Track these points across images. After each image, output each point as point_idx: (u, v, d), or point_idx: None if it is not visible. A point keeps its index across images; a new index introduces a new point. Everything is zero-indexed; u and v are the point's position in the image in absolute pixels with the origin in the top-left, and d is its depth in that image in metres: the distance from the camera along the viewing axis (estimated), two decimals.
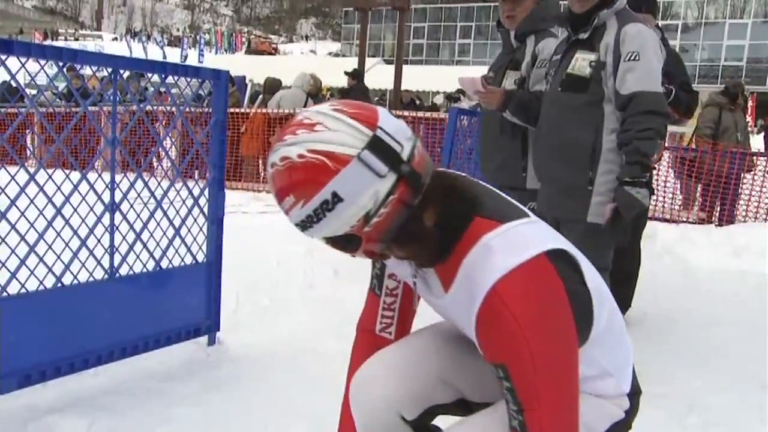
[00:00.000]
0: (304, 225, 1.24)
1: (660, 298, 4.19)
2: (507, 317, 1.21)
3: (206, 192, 3.00)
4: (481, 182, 1.46)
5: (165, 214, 2.85)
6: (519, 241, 1.26)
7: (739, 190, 6.76)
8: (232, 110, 8.80)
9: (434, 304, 1.46)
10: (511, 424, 1.27)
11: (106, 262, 2.64)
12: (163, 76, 2.75)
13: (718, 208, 6.68)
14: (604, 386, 1.45)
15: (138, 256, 2.76)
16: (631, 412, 1.51)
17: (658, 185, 6.93)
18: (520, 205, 1.42)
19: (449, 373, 1.56)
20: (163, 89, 3.06)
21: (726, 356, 3.28)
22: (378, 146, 1.20)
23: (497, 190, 1.45)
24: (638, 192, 2.57)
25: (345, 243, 1.27)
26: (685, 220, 6.78)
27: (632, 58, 2.59)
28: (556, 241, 1.32)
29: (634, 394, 1.51)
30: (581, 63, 2.71)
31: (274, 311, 3.69)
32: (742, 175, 6.69)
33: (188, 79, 2.93)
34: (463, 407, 1.59)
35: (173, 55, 40.78)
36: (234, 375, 2.82)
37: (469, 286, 1.26)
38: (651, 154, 2.57)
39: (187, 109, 3.27)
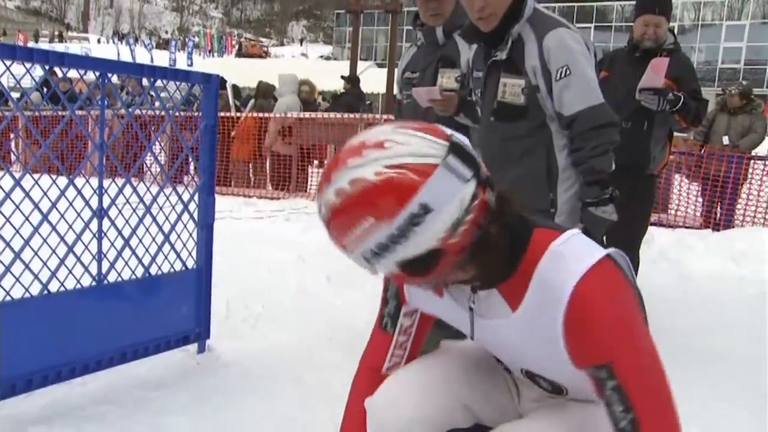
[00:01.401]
0: (384, 248, 1.15)
1: (656, 304, 4.13)
2: (600, 316, 1.22)
3: (196, 197, 2.96)
4: None
5: (154, 219, 2.80)
6: (583, 246, 1.29)
7: (737, 194, 6.75)
8: (222, 114, 8.77)
9: (486, 332, 1.40)
10: (619, 426, 1.24)
11: (93, 269, 2.59)
12: (152, 80, 2.70)
13: (717, 213, 6.67)
14: None
15: (126, 263, 2.71)
16: None
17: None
18: None
19: (469, 398, 1.55)
20: (152, 93, 3.02)
21: (725, 363, 3.25)
22: (460, 151, 1.17)
23: None
24: (603, 211, 2.50)
25: (422, 265, 1.18)
26: (681, 224, 6.77)
27: (563, 74, 2.43)
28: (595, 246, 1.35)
29: None
30: (512, 89, 2.53)
31: (265, 318, 3.64)
32: (739, 179, 6.68)
33: (177, 83, 2.88)
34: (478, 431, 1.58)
35: (161, 59, 40.48)
36: (225, 384, 2.77)
37: (546, 294, 1.25)
38: (608, 169, 2.45)
39: (177, 114, 3.22)
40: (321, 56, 51.47)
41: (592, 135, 2.42)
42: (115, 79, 2.57)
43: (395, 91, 3.56)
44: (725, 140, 6.82)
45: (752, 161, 6.88)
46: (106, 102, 2.61)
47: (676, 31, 3.98)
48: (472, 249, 1.20)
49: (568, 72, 2.41)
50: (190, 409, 2.52)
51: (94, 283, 2.58)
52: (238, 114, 8.99)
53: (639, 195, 3.56)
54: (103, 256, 2.61)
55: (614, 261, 1.30)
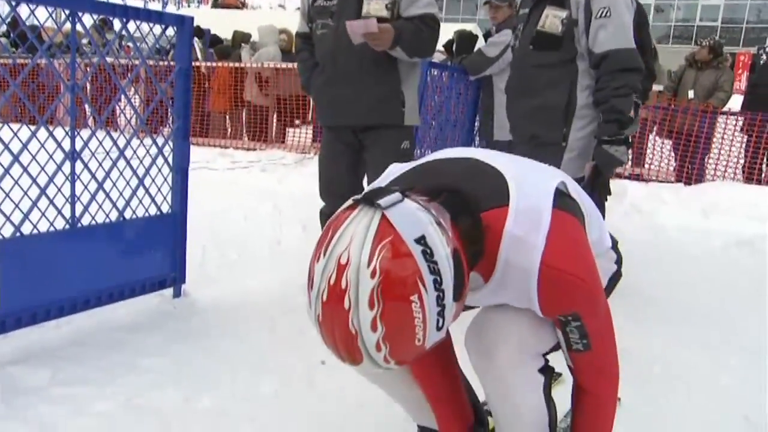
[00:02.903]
0: (439, 298, 1.15)
1: (627, 255, 4.19)
2: (567, 278, 1.34)
3: (171, 142, 2.93)
4: (444, 157, 1.54)
5: (128, 163, 2.77)
6: (532, 212, 1.35)
7: (709, 150, 6.83)
8: (198, 64, 8.62)
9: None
10: (573, 347, 1.46)
11: (67, 212, 2.57)
12: (125, 20, 2.64)
13: (689, 167, 6.76)
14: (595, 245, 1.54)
15: (100, 207, 2.69)
16: (620, 262, 1.73)
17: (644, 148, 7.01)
18: (482, 156, 1.50)
19: None
20: (126, 42, 2.96)
21: (691, 314, 3.33)
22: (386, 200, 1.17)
23: (456, 154, 1.54)
24: (616, 150, 2.66)
25: (461, 285, 1.21)
26: (654, 178, 6.86)
27: (603, 14, 2.59)
28: (544, 180, 1.45)
29: (615, 244, 1.72)
30: (552, 20, 2.68)
31: (241, 265, 3.66)
32: (711, 135, 6.75)
33: (151, 25, 2.82)
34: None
35: None
36: (201, 327, 2.79)
37: (515, 274, 1.35)
38: (627, 111, 2.62)
39: (152, 62, 3.17)
40: (298, 8, 50.40)
41: (618, 76, 2.57)
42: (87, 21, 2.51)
43: (298, 25, 3.26)
44: (690, 95, 6.89)
45: (725, 117, 6.96)
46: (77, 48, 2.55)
47: None
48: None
49: (608, 14, 2.58)
50: (167, 350, 2.54)
51: (67, 227, 2.56)
52: (215, 64, 8.84)
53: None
54: (76, 199, 2.58)
55: (558, 206, 1.38)
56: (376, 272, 1.10)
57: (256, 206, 5.01)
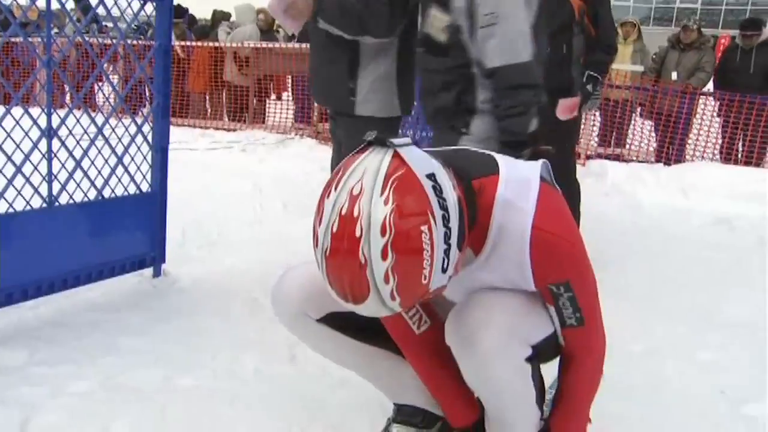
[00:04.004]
0: (446, 235, 1.17)
1: (608, 235, 4.26)
2: (558, 241, 1.37)
3: (150, 120, 2.89)
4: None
5: (107, 141, 2.73)
6: (521, 181, 1.39)
7: (689, 130, 6.88)
8: (178, 43, 8.51)
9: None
10: (567, 323, 1.47)
11: (44, 191, 2.53)
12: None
13: (668, 148, 6.82)
14: None
15: (78, 185, 2.66)
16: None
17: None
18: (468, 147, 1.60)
19: None
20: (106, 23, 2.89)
21: (670, 290, 3.38)
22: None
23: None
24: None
25: (461, 233, 1.22)
26: (635, 159, 6.91)
27: (489, 22, 2.16)
28: (527, 163, 1.49)
29: None
30: (437, 23, 2.28)
31: (222, 245, 3.64)
32: (691, 115, 6.81)
33: (129, 1, 2.77)
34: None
35: None
36: (182, 306, 2.77)
37: (507, 238, 1.36)
38: (523, 131, 2.23)
39: (134, 42, 3.12)
40: None
41: (509, 94, 2.20)
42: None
43: None
44: (674, 76, 6.93)
45: (703, 98, 7.00)
46: (55, 25, 2.51)
47: None
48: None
49: (494, 20, 2.16)
50: (147, 329, 2.52)
51: (44, 206, 2.53)
52: (194, 43, 8.73)
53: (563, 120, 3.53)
54: (53, 177, 2.55)
55: (543, 178, 1.43)
56: (389, 200, 1.11)
57: (237, 186, 4.98)
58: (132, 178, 2.85)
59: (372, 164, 1.15)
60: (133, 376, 2.17)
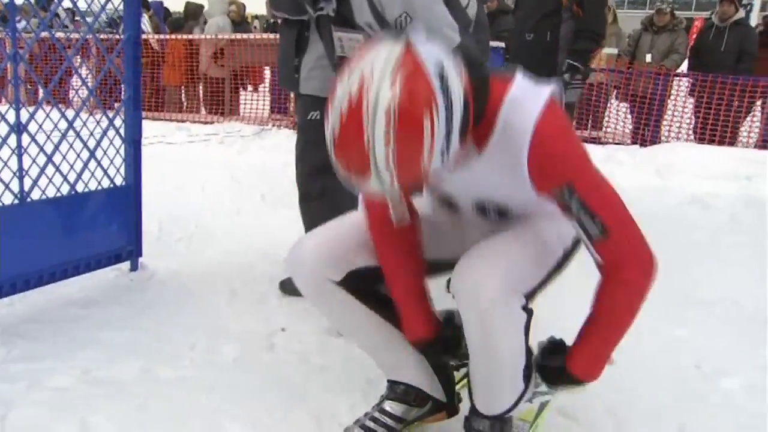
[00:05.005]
0: (448, 130, 1.23)
1: None
2: (558, 141, 1.41)
3: (122, 113, 2.87)
4: None
5: (78, 135, 2.71)
6: (533, 89, 1.43)
7: (663, 112, 6.95)
8: (147, 38, 8.43)
9: (452, 182, 1.55)
10: (593, 237, 1.46)
11: (15, 187, 2.51)
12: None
13: (644, 129, 6.88)
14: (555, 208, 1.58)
15: (50, 180, 2.63)
16: None
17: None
18: None
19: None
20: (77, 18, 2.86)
21: None
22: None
23: None
24: None
25: (465, 124, 1.28)
26: (611, 141, 6.96)
27: (404, 24, 2.09)
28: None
29: None
30: (350, 44, 2.19)
31: (200, 237, 3.62)
32: (665, 97, 6.88)
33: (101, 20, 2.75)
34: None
35: None
36: (160, 298, 2.76)
37: (510, 133, 1.40)
38: None
39: (105, 38, 3.09)
40: None
41: None
42: None
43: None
44: (648, 58, 7.00)
45: (676, 79, 7.07)
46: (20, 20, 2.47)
47: None
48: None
49: (408, 20, 2.09)
50: (125, 323, 2.51)
51: (16, 201, 2.50)
52: (168, 37, 8.65)
53: None
54: (25, 173, 2.52)
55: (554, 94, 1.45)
56: (395, 87, 1.18)
57: (215, 178, 4.96)
58: (105, 172, 2.82)
59: (384, 52, 1.23)
60: (111, 369, 2.16)
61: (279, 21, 2.82)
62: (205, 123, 7.97)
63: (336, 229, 1.74)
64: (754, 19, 13.96)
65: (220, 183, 4.85)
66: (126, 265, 2.99)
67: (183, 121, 8.08)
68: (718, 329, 2.70)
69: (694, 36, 7.87)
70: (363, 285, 1.72)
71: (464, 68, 1.29)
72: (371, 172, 1.22)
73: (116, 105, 5.43)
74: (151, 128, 6.09)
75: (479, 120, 1.37)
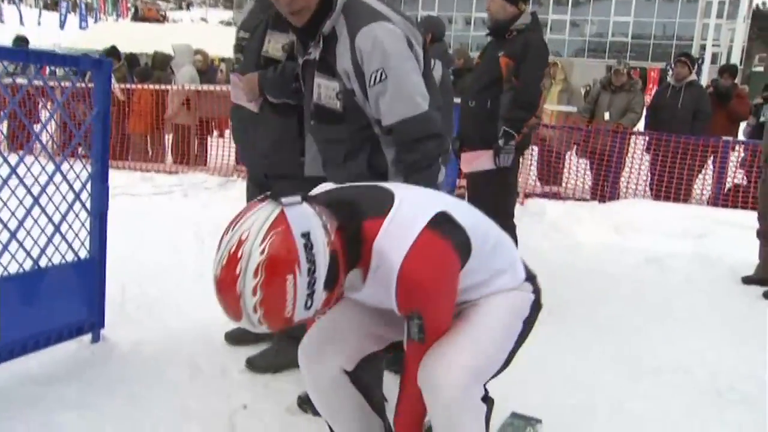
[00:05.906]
0: (311, 282, 1.45)
1: (548, 274, 4.34)
2: (416, 287, 1.61)
3: (88, 186, 2.87)
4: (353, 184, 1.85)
5: (43, 210, 2.71)
6: (402, 228, 1.61)
7: (621, 168, 7.18)
8: (119, 86, 8.45)
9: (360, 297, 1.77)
10: (413, 337, 1.69)
11: None
12: (39, 66, 2.60)
13: (603, 186, 7.08)
14: (505, 281, 1.84)
15: (13, 256, 2.63)
16: (538, 292, 1.91)
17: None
18: (386, 184, 1.78)
19: (373, 326, 1.91)
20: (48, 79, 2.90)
21: (604, 331, 3.58)
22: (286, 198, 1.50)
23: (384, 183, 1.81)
24: None
25: (333, 276, 1.52)
26: (571, 196, 7.14)
27: (378, 79, 2.14)
28: (430, 206, 1.68)
29: (532, 277, 1.92)
30: (327, 92, 2.26)
31: (162, 303, 3.59)
32: (623, 154, 7.12)
33: (67, 69, 2.78)
34: (395, 347, 1.92)
35: (51, 20, 38.04)
36: (121, 374, 2.75)
37: (382, 273, 1.61)
38: (434, 183, 2.20)
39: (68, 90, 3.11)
40: (221, 21, 49.87)
41: (412, 147, 2.17)
42: None
43: (233, 52, 3.11)
44: (606, 116, 7.25)
45: (633, 137, 7.32)
46: None
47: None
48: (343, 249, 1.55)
49: (383, 76, 2.13)
50: (85, 402, 2.49)
51: None
52: (135, 86, 8.67)
53: (496, 169, 3.77)
54: None
55: (432, 226, 1.62)
56: (264, 250, 1.40)
57: (178, 236, 4.95)
58: (70, 246, 2.82)
59: (261, 217, 1.44)
60: None
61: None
62: (170, 173, 7.96)
63: (339, 325, 1.93)
64: (705, 76, 14.55)
65: (182, 241, 4.84)
66: (88, 337, 2.98)
67: (148, 171, 8.06)
68: (672, 403, 2.79)
69: (651, 87, 8.18)
70: (369, 368, 1.94)
71: (336, 224, 1.52)
72: (243, 317, 1.45)
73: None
74: (115, 178, 5.99)
75: (358, 261, 1.60)
